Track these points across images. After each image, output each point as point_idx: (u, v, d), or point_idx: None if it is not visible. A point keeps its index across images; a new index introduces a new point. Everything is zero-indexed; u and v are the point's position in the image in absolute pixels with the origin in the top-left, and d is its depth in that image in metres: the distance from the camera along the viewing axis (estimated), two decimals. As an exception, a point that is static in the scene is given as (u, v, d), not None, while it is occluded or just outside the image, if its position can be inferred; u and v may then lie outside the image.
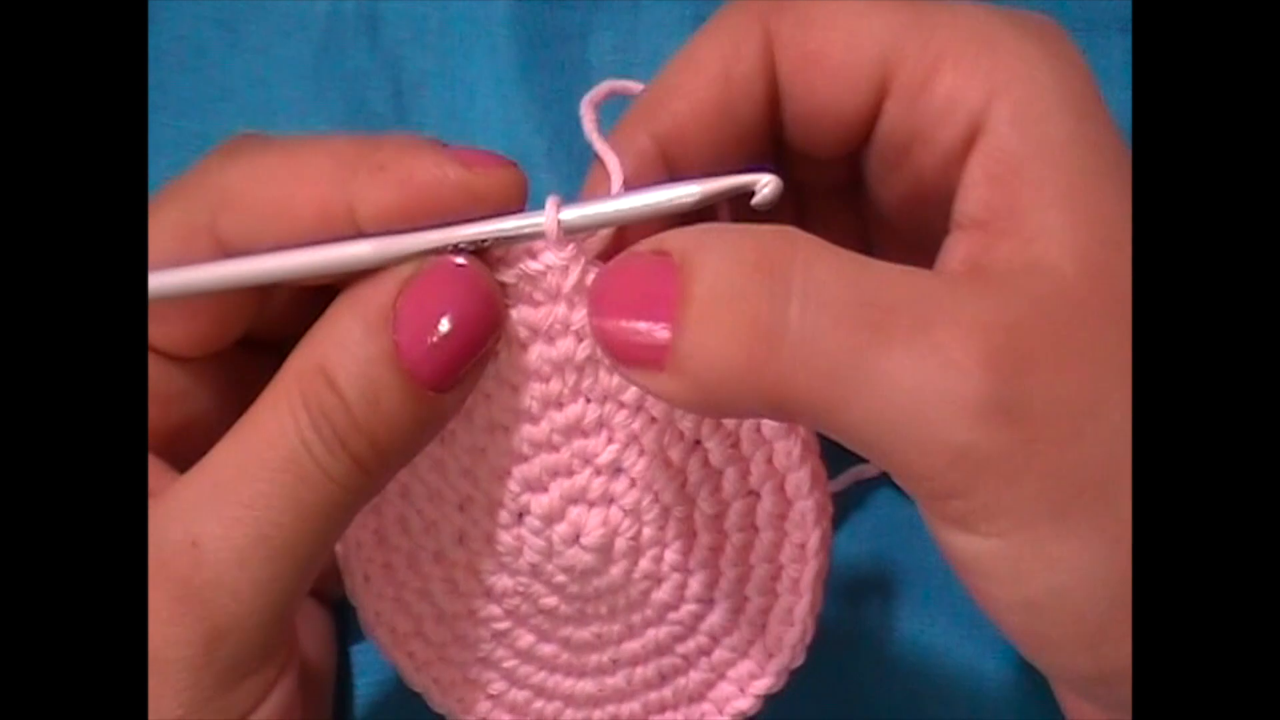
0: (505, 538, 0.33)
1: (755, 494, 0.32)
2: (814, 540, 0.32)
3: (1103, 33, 0.42)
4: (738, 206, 0.28)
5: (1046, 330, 0.25)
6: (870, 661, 0.40)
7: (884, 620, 0.41)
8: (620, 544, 0.32)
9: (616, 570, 0.33)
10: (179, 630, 0.27)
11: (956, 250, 0.28)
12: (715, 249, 0.26)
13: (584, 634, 0.34)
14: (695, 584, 0.33)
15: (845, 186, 0.33)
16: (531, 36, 0.43)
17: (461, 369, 0.29)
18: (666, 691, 0.36)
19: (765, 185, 0.27)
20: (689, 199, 0.27)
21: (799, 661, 0.34)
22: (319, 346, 0.28)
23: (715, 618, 0.34)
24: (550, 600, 0.34)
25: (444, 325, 0.28)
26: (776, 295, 0.25)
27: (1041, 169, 0.27)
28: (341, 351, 0.28)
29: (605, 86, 0.32)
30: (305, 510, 0.28)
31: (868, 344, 0.24)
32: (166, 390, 0.31)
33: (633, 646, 0.35)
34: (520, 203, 0.29)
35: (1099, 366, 0.25)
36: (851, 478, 0.39)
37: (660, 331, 0.26)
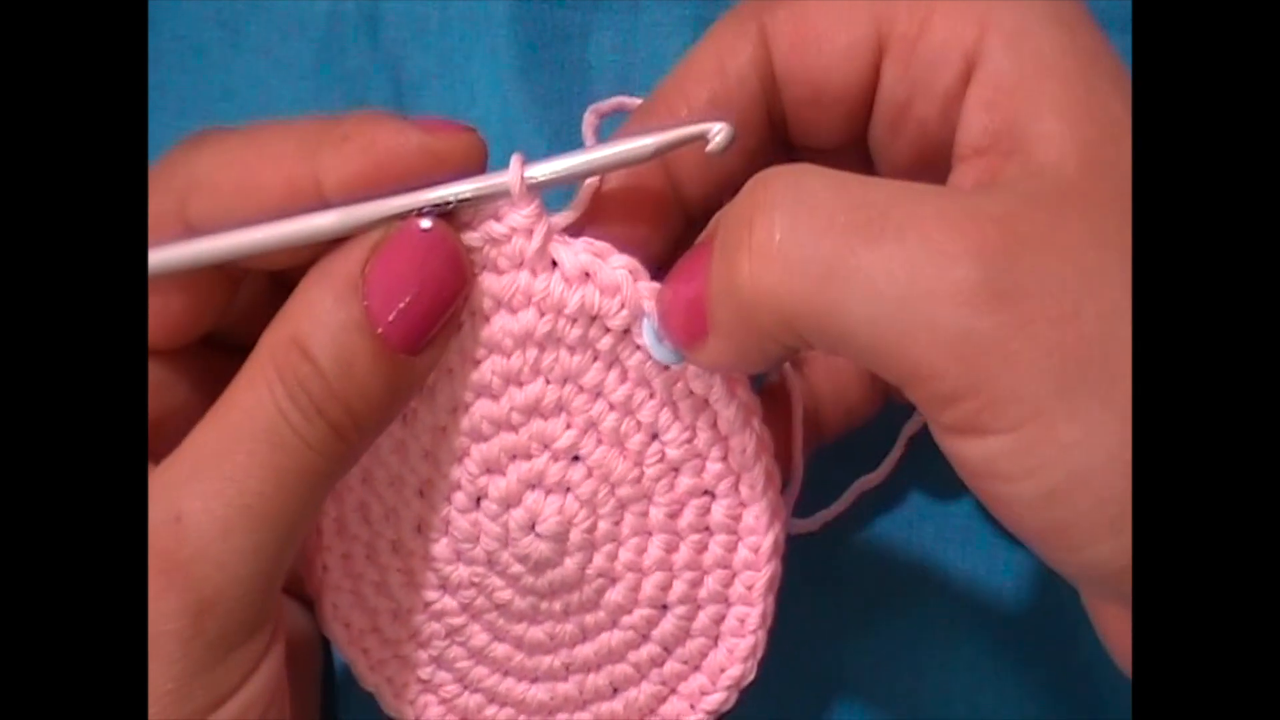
0: (462, 523, 0.33)
1: (710, 494, 0.33)
2: (767, 544, 0.33)
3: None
4: None
5: (1040, 219, 0.25)
6: (868, 662, 0.40)
7: (882, 621, 0.41)
8: (575, 535, 0.32)
9: (571, 563, 0.33)
10: (166, 604, 0.28)
11: (962, 180, 0.28)
12: (728, 208, 0.27)
13: (537, 633, 0.34)
14: (649, 586, 0.33)
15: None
16: (531, 36, 0.43)
17: (431, 330, 0.29)
18: (617, 704, 0.35)
19: (718, 133, 0.28)
20: (645, 150, 0.29)
21: (750, 677, 0.34)
22: (291, 320, 0.29)
23: (668, 625, 0.34)
24: (505, 594, 0.34)
25: (411, 288, 0.29)
26: (768, 214, 0.26)
27: (1036, 84, 0.27)
28: (313, 321, 0.29)
29: (613, 101, 0.33)
30: (285, 479, 0.29)
31: (858, 243, 0.25)
32: None
33: (585, 651, 0.35)
34: (480, 167, 0.30)
35: (1097, 250, 0.25)
36: (857, 490, 0.38)
37: (700, 301, 0.27)
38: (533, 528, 0.32)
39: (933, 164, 0.30)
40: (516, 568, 0.33)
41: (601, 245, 0.30)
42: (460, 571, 0.34)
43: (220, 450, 0.29)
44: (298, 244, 0.29)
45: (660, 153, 0.29)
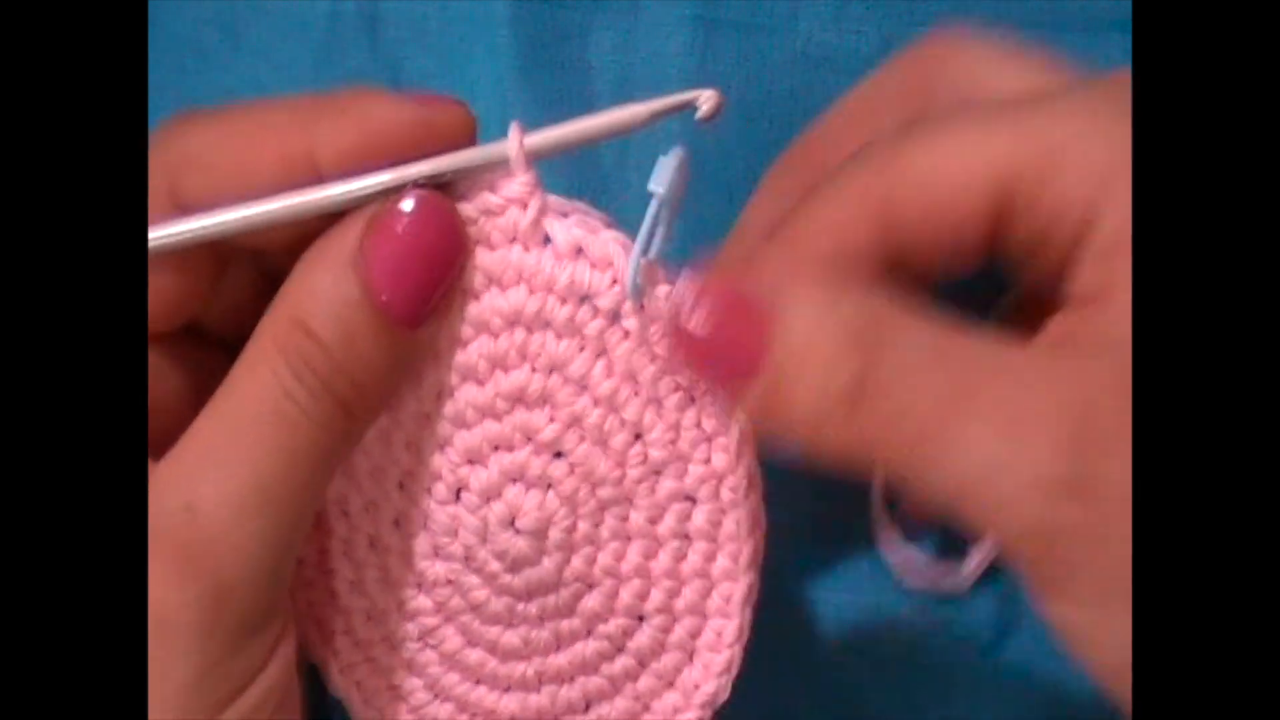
0: (441, 516, 0.32)
1: (691, 499, 0.32)
2: (746, 554, 0.32)
3: (1103, 33, 0.42)
4: None
5: (1124, 408, 0.25)
6: (868, 665, 0.40)
7: (881, 622, 0.41)
8: (555, 534, 0.32)
9: (549, 563, 0.32)
10: (183, 593, 0.27)
11: (1058, 326, 0.29)
12: (807, 300, 0.27)
13: (512, 638, 0.34)
14: (626, 594, 0.33)
15: None
16: (531, 36, 0.43)
17: (431, 302, 0.29)
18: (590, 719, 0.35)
19: (706, 100, 0.29)
20: (639, 116, 0.29)
21: (724, 695, 0.34)
22: (290, 300, 0.29)
23: (643, 637, 0.34)
24: (480, 593, 0.33)
25: (409, 259, 0.29)
26: (867, 360, 0.26)
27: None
28: (313, 299, 0.29)
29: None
30: (296, 458, 0.29)
31: (952, 414, 0.26)
32: None
33: (558, 661, 0.34)
34: (471, 141, 0.30)
35: None
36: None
37: (748, 370, 0.27)
38: (512, 523, 0.32)
39: (1039, 314, 0.30)
40: (494, 565, 0.33)
41: (594, 221, 0.30)
42: (437, 568, 0.33)
43: (228, 435, 0.29)
44: (295, 219, 0.29)
45: (653, 119, 0.29)
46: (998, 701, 0.40)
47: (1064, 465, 0.25)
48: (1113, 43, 0.42)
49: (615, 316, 0.30)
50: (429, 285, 0.29)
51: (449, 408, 0.31)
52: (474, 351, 0.31)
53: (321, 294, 0.29)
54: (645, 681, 0.34)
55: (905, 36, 0.43)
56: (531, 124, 0.42)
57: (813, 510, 0.40)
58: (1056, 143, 0.28)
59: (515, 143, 0.29)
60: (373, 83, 0.43)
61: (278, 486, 0.28)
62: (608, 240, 0.30)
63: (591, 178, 0.42)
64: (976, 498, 0.26)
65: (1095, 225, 0.28)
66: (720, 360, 0.28)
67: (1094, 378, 0.26)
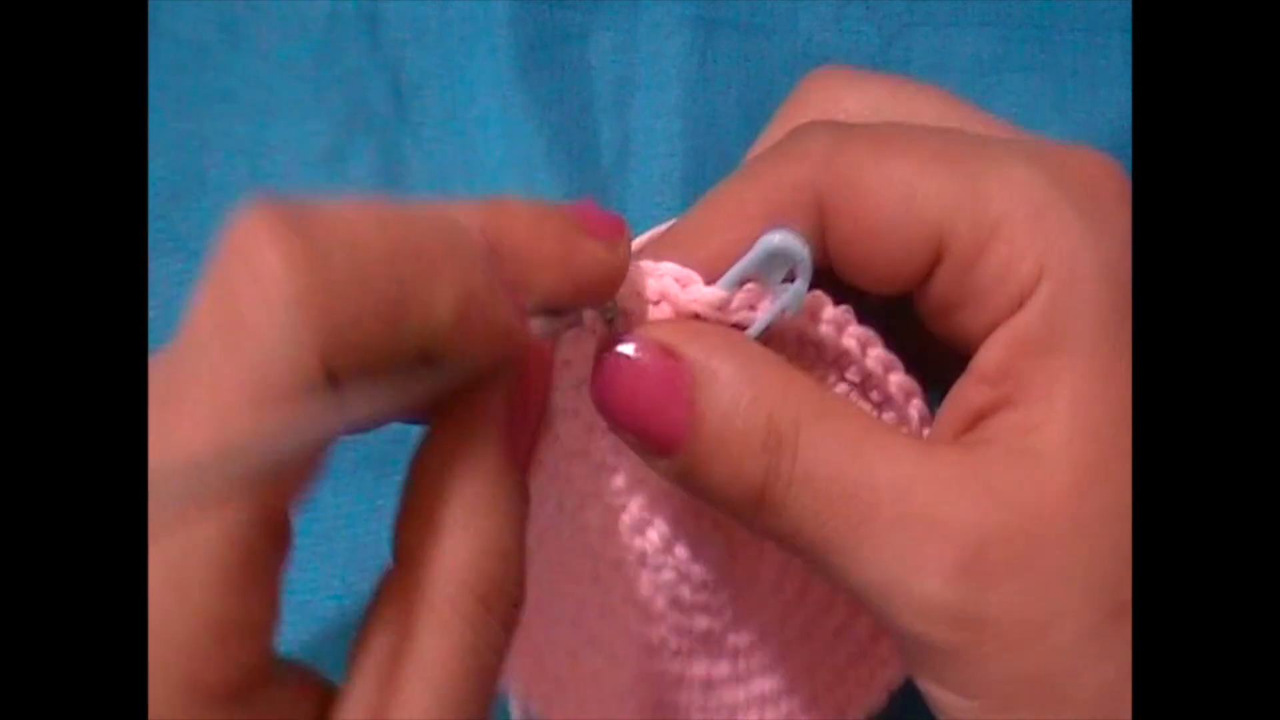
0: (642, 591, 0.33)
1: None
2: None
3: (1103, 33, 0.42)
4: None
5: (1020, 544, 0.26)
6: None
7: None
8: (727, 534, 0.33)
9: (740, 566, 0.33)
10: None
11: (963, 401, 0.28)
12: (727, 383, 0.28)
13: (745, 637, 0.34)
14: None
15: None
16: (531, 37, 0.43)
17: None
18: (840, 656, 0.36)
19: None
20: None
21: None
22: (460, 562, 0.25)
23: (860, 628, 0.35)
24: (702, 621, 0.34)
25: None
26: (772, 469, 0.27)
27: (1063, 359, 0.27)
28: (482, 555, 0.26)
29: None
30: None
31: (851, 531, 0.27)
32: None
33: (798, 619, 0.35)
34: None
35: (1063, 584, 0.26)
36: None
37: (670, 433, 0.28)
38: (696, 546, 0.32)
39: (954, 348, 0.29)
40: (702, 595, 0.33)
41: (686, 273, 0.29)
42: (658, 631, 0.34)
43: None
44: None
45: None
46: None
47: (951, 594, 0.26)
48: (1113, 43, 0.42)
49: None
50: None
51: (602, 507, 0.32)
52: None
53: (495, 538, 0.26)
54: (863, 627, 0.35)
55: (905, 36, 0.43)
56: (532, 124, 0.43)
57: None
58: (999, 213, 0.27)
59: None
60: (372, 82, 0.43)
61: None
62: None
63: (591, 177, 0.42)
64: (877, 603, 0.27)
65: (1023, 308, 0.27)
66: (640, 429, 0.28)
67: (995, 509, 0.26)
